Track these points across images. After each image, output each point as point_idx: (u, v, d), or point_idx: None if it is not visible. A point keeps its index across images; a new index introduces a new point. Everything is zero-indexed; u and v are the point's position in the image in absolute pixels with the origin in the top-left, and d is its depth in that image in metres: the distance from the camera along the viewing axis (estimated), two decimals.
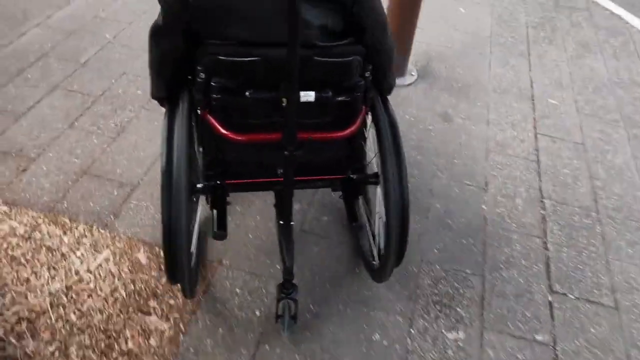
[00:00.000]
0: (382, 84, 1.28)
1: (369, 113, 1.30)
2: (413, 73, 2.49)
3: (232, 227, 1.67)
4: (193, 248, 1.29)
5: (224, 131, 1.16)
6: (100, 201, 1.75)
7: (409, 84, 2.43)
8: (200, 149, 1.32)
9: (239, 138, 1.17)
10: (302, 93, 1.06)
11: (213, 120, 1.16)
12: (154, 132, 2.02)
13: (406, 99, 2.35)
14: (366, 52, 1.14)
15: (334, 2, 1.08)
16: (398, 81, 2.42)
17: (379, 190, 1.37)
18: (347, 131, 1.21)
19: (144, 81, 2.27)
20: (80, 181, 1.81)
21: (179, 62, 1.15)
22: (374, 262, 1.46)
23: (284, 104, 1.05)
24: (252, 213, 1.76)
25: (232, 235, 1.64)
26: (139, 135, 2.01)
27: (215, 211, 1.38)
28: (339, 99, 1.14)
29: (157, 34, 1.13)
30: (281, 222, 1.34)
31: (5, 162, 1.86)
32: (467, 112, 2.31)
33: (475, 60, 2.68)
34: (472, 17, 3.05)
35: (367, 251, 1.56)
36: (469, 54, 2.71)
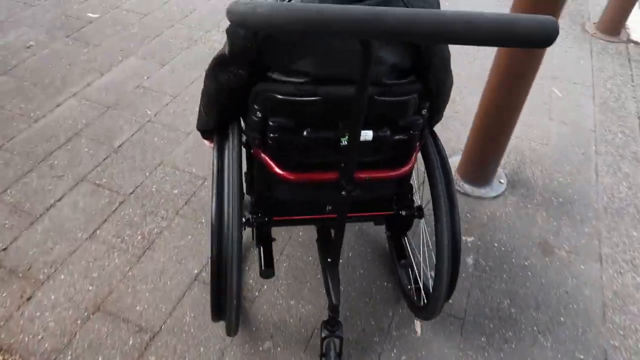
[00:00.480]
0: (433, 119, 1.27)
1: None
2: (502, 180, 2.05)
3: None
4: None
5: (278, 170, 1.12)
6: (110, 355, 1.41)
7: (497, 196, 1.99)
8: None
9: (293, 178, 1.13)
10: (361, 132, 0.98)
11: (267, 159, 1.13)
12: (187, 250, 1.68)
13: (494, 219, 1.90)
14: (426, 91, 1.11)
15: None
16: (482, 192, 1.98)
17: (422, 224, 1.45)
18: (402, 170, 1.19)
19: (181, 176, 1.94)
20: (91, 320, 1.48)
21: (235, 95, 1.10)
22: (418, 300, 1.48)
23: (342, 144, 1.05)
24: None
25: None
26: (168, 255, 1.67)
27: (261, 248, 1.36)
28: (396, 137, 1.10)
29: (221, 63, 1.08)
30: (329, 259, 1.31)
31: (10, 285, 1.55)
32: (572, 242, 1.84)
33: (578, 163, 2.20)
34: (570, 102, 2.58)
35: (410, 289, 1.56)
36: (569, 155, 2.24)
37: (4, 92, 2.29)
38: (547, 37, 0.71)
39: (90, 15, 2.89)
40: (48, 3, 2.96)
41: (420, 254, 1.53)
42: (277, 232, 1.68)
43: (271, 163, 1.12)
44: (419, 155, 1.26)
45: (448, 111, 1.31)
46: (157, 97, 2.34)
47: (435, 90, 1.13)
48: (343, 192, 1.05)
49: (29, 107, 2.22)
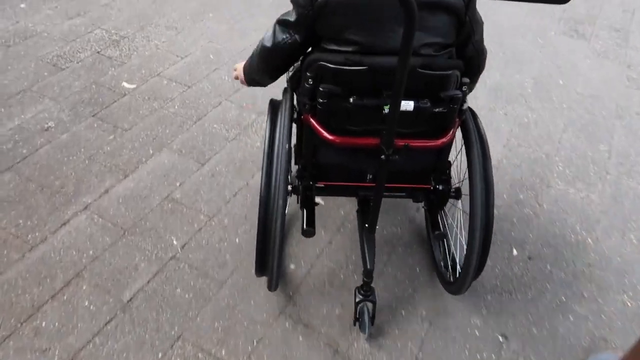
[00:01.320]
0: (469, 86, 1.27)
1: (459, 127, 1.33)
2: None
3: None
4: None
5: (325, 134, 1.21)
6: None
7: None
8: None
9: (339, 141, 1.21)
10: (403, 102, 1.06)
11: (315, 124, 1.21)
12: None
13: None
14: (466, 63, 1.18)
15: (451, 12, 1.09)
16: None
17: (459, 204, 1.53)
18: (440, 141, 1.24)
19: None
20: None
21: (288, 59, 1.25)
22: (449, 275, 1.56)
23: (384, 111, 1.09)
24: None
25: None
26: None
27: (305, 210, 1.42)
28: (436, 109, 1.15)
29: (283, 23, 1.18)
30: (366, 225, 1.38)
31: None
32: None
33: None
34: None
35: (442, 264, 1.64)
36: None
37: (3, 197, 1.83)
38: None
39: (126, 85, 2.42)
40: (80, 66, 2.52)
41: (455, 231, 1.60)
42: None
43: (319, 127, 1.21)
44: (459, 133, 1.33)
45: None
46: (188, 216, 1.81)
47: (474, 62, 1.25)
48: (382, 157, 1.12)
49: (28, 225, 1.74)
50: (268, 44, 1.21)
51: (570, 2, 1.03)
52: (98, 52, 2.63)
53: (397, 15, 0.95)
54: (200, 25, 2.93)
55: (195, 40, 2.79)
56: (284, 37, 1.18)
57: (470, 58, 1.23)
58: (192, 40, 2.79)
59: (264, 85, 1.39)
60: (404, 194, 1.53)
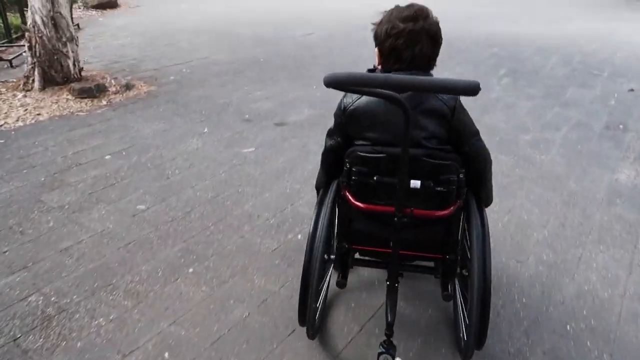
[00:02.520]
0: (480, 192, 1.71)
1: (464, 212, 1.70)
2: None
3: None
4: (320, 302, 1.79)
5: (356, 202, 1.61)
6: None
7: None
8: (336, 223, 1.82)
9: (366, 207, 1.61)
10: (411, 181, 1.49)
11: (349, 195, 1.63)
12: None
13: None
14: (463, 158, 1.55)
15: (439, 116, 1.51)
16: None
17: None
18: (440, 213, 1.57)
19: None
20: None
21: (336, 156, 1.68)
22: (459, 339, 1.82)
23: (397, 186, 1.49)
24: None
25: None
26: None
27: (340, 267, 1.90)
28: (438, 189, 1.52)
29: (329, 134, 1.72)
30: (388, 282, 1.71)
31: None
32: None
33: None
34: None
35: (458, 328, 1.85)
36: None
37: None
38: (473, 90, 1.25)
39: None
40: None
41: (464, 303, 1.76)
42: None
43: (351, 198, 1.62)
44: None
45: None
46: None
47: (469, 156, 1.58)
48: (395, 219, 1.50)
49: None
50: (323, 149, 1.75)
51: None
52: (14, 340, 1.91)
53: (400, 117, 1.37)
54: (171, 291, 2.20)
55: (153, 321, 2.03)
56: (331, 142, 1.71)
57: (470, 160, 1.59)
58: (148, 321, 2.03)
59: (321, 184, 1.82)
60: (431, 264, 1.91)
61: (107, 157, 3.43)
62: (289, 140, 3.78)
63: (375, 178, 1.54)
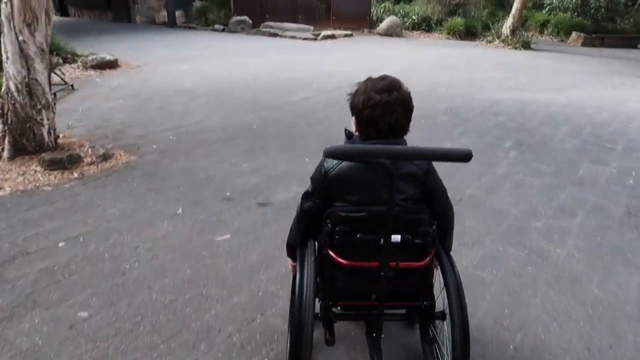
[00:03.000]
0: (445, 243, 1.85)
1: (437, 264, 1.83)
2: None
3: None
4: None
5: (340, 260, 1.68)
6: None
7: None
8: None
9: (349, 263, 1.68)
10: (392, 236, 1.59)
11: (333, 254, 1.69)
12: None
13: None
14: (433, 214, 1.71)
15: (415, 179, 1.70)
16: None
17: (445, 325, 1.83)
18: (419, 264, 1.71)
19: None
20: None
21: (313, 217, 1.76)
22: None
23: (381, 242, 1.60)
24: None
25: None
26: None
27: (327, 326, 1.87)
28: (416, 241, 1.65)
29: (306, 196, 1.80)
30: (373, 334, 1.82)
31: None
32: None
33: None
34: None
35: None
36: None
37: None
38: (466, 156, 1.48)
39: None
40: None
41: (444, 350, 1.89)
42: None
43: (335, 257, 1.68)
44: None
45: None
46: None
47: (439, 213, 1.76)
48: (382, 273, 1.63)
49: None
50: (299, 211, 1.83)
51: None
52: None
53: (378, 180, 1.61)
54: None
55: None
56: (309, 204, 1.78)
57: (439, 216, 1.75)
58: None
59: (296, 247, 1.88)
60: (403, 311, 2.01)
61: (61, 244, 3.02)
62: (270, 225, 3.37)
63: (358, 236, 1.63)
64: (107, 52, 10.06)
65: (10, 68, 4.16)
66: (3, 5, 4.08)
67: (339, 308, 1.89)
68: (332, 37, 15.23)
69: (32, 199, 3.66)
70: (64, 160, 4.16)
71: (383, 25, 16.36)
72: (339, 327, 2.17)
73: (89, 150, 4.53)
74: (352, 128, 1.76)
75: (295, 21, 15.92)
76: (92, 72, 9.06)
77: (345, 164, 1.66)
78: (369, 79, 1.70)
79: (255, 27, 15.71)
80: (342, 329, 2.28)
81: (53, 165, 4.12)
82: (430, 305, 1.84)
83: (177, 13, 16.92)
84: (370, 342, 1.86)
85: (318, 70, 9.82)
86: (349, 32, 15.92)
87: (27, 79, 4.19)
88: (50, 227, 3.23)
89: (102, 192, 3.83)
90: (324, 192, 1.72)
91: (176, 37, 14.39)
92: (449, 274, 1.73)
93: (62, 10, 19.95)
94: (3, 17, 4.09)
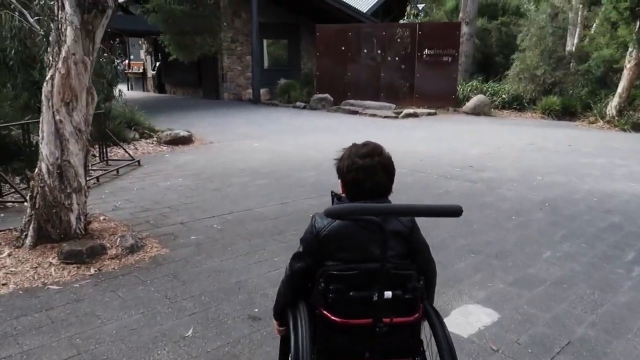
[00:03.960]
0: (429, 297, 1.90)
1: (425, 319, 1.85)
2: None
3: None
4: None
5: (335, 318, 1.69)
6: None
7: None
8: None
9: (344, 322, 1.69)
10: (385, 292, 1.64)
11: (327, 313, 1.70)
12: None
13: None
14: (419, 269, 1.79)
15: (401, 236, 1.78)
16: None
17: None
18: (412, 318, 1.75)
19: None
20: None
21: (304, 278, 1.82)
22: None
23: (374, 299, 1.65)
24: None
25: None
26: None
27: None
28: (406, 296, 1.70)
29: (296, 257, 1.84)
30: None
31: None
32: None
33: None
34: None
35: None
36: None
37: None
38: (456, 212, 1.60)
39: None
40: None
41: None
42: None
43: (329, 315, 1.70)
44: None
45: None
46: None
47: (425, 268, 1.83)
48: (377, 329, 1.66)
49: None
50: (289, 272, 1.86)
51: None
52: None
53: (368, 238, 1.71)
54: None
55: None
56: (299, 264, 1.82)
57: (424, 271, 1.82)
58: None
59: (286, 309, 1.89)
60: None
61: None
62: None
63: (351, 293, 1.67)
64: (185, 128, 10.16)
65: (44, 149, 3.85)
66: (45, 84, 3.85)
67: None
68: (414, 115, 14.62)
69: (30, 302, 3.13)
70: (83, 254, 3.66)
71: (470, 103, 15.51)
72: None
73: (118, 240, 4.03)
74: (339, 190, 1.89)
75: (377, 99, 15.60)
76: (164, 147, 9.06)
77: (336, 223, 1.74)
78: (353, 145, 1.85)
79: (336, 104, 15.59)
80: None
81: (70, 257, 3.63)
82: None
83: (262, 91, 17.35)
84: None
85: (396, 151, 9.11)
86: (432, 111, 15.25)
87: (59, 161, 3.85)
88: (28, 349, 2.61)
89: (110, 297, 3.22)
90: (315, 251, 1.78)
91: (258, 114, 14.58)
92: (438, 329, 1.78)
93: (160, 88, 21.41)
94: (43, 96, 3.85)
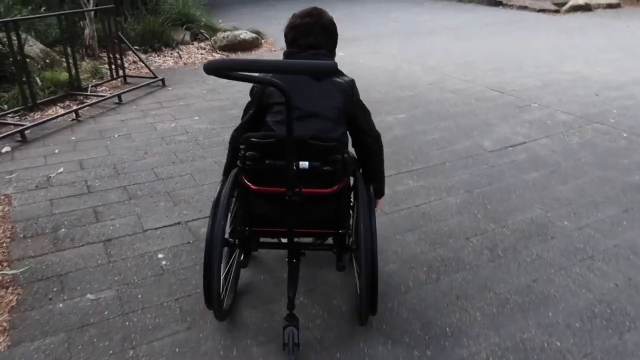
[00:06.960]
0: (374, 179, 1.97)
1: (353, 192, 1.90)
2: None
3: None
4: (228, 286, 1.97)
5: (251, 185, 1.71)
6: None
7: None
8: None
9: (259, 189, 1.70)
10: (300, 162, 1.61)
11: (244, 179, 1.72)
12: None
13: None
14: (354, 137, 1.89)
15: (343, 92, 1.79)
16: None
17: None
18: (327, 190, 1.70)
19: None
20: None
21: (252, 121, 1.85)
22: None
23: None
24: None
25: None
26: None
27: (243, 249, 1.98)
28: (325, 168, 1.65)
29: (244, 112, 1.91)
30: (288, 260, 1.85)
31: None
32: None
33: None
34: None
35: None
36: None
37: None
38: (333, 69, 1.63)
39: None
40: None
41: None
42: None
43: (246, 182, 1.72)
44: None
45: None
46: None
47: (359, 133, 1.89)
48: (287, 197, 1.61)
49: None
50: (234, 129, 1.89)
51: None
52: None
53: (306, 87, 1.77)
54: None
55: None
56: (245, 117, 1.89)
57: (363, 134, 1.90)
58: None
59: (237, 145, 1.77)
60: (318, 241, 2.10)
61: None
62: None
63: (267, 162, 1.65)
64: (261, 26, 7.67)
65: None
66: None
67: (261, 238, 2.00)
68: (586, 8, 10.32)
69: None
70: None
71: None
72: (271, 264, 2.27)
73: None
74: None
75: None
76: (218, 55, 6.72)
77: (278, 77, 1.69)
78: (299, 10, 1.91)
79: None
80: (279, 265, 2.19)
81: None
82: (345, 234, 1.90)
83: None
84: (289, 267, 1.87)
85: (550, 74, 5.71)
86: (614, 1, 10.72)
87: None
88: None
89: None
90: (258, 98, 1.81)
91: (358, 3, 11.48)
92: (362, 207, 1.74)
93: None
94: None
